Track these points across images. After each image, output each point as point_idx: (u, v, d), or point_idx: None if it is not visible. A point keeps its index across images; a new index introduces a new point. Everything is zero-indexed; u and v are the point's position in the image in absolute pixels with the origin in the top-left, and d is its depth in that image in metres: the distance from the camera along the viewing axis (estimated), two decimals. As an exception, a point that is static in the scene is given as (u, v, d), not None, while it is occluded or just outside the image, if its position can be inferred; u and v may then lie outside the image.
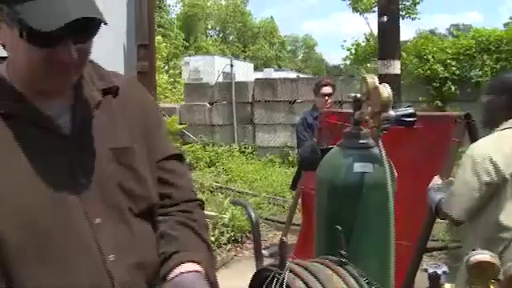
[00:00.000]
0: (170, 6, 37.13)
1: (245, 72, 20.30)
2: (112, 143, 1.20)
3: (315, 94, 4.76)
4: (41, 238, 1.07)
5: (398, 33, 4.82)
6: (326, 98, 4.55)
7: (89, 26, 1.06)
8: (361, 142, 1.46)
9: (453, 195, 2.33)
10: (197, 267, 1.16)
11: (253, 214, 1.71)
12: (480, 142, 2.41)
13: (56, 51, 1.05)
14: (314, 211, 3.65)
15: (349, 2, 8.83)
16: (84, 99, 1.19)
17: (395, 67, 4.72)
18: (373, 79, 1.35)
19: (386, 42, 4.76)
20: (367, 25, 10.69)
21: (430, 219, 2.65)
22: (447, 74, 8.21)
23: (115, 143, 1.20)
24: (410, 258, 2.69)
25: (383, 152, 1.32)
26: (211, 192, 7.94)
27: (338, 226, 1.26)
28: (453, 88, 8.08)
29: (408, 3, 8.98)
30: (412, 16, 8.98)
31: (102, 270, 1.10)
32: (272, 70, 30.92)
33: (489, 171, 2.24)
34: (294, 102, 10.19)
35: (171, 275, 1.15)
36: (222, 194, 7.77)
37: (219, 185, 8.48)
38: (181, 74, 21.43)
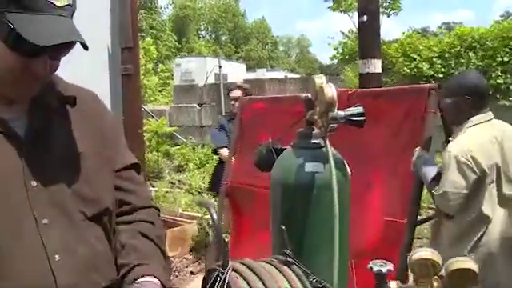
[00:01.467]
0: (161, 7, 37.16)
1: (237, 73, 20.31)
2: (66, 148, 1.24)
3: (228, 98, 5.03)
4: None
5: (378, 32, 4.85)
6: (232, 102, 4.83)
7: (66, 46, 1.14)
8: (313, 141, 1.47)
9: (444, 196, 2.45)
10: (155, 280, 1.21)
11: (215, 215, 1.72)
12: (458, 140, 2.54)
13: (33, 62, 1.12)
14: (243, 207, 3.62)
15: (330, 5, 8.84)
16: (41, 106, 1.23)
17: (376, 66, 4.74)
18: (320, 79, 1.35)
19: (367, 42, 4.78)
20: (353, 23, 10.71)
21: (417, 190, 2.61)
22: (432, 72, 8.25)
23: (69, 149, 1.24)
24: (392, 231, 2.65)
25: (330, 152, 1.33)
26: (199, 193, 7.95)
27: (282, 226, 1.27)
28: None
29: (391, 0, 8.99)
30: (394, 11, 8.99)
31: (46, 270, 1.12)
32: (264, 70, 30.98)
33: (472, 168, 2.42)
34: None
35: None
36: (209, 195, 7.78)
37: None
38: (172, 75, 21.44)
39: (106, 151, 1.32)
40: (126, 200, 1.35)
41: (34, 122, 1.21)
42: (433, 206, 4.46)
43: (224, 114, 5.39)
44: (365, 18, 4.67)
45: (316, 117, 1.40)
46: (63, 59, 1.21)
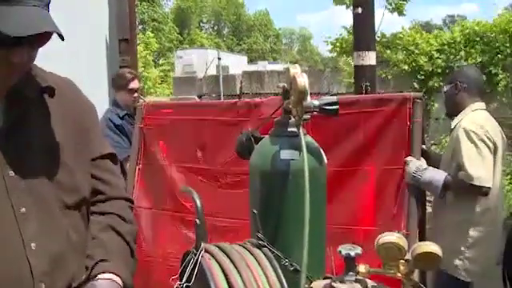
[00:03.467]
0: (163, 0, 37.14)
1: (238, 65, 20.31)
2: (44, 138, 1.26)
3: (120, 89, 4.00)
4: None
5: (373, 24, 4.84)
6: (136, 94, 3.95)
7: (43, 37, 1.15)
8: (289, 130, 1.52)
9: (474, 168, 2.50)
10: (115, 277, 1.24)
11: (198, 201, 1.77)
12: (469, 117, 2.71)
13: (12, 52, 1.13)
14: (145, 235, 3.04)
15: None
16: (19, 96, 1.24)
17: (370, 58, 4.74)
18: (295, 69, 1.40)
19: (361, 34, 4.78)
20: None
21: (418, 201, 2.55)
22: (431, 68, 8.20)
23: (47, 138, 1.26)
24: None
25: (303, 139, 1.37)
26: (197, 184, 7.99)
27: (254, 210, 1.32)
28: (438, 81, 8.10)
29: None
30: (398, 11, 8.95)
31: (22, 258, 1.15)
32: (266, 62, 30.99)
33: (489, 138, 2.58)
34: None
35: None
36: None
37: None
38: (174, 67, 21.44)
39: (83, 140, 1.34)
40: (100, 189, 1.37)
41: (12, 112, 1.22)
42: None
43: (112, 106, 4.02)
44: (359, 9, 4.66)
45: (291, 106, 1.44)
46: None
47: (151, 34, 15.40)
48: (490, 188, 2.50)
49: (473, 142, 2.55)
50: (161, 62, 17.78)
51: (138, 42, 9.29)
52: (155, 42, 14.86)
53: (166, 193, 2.95)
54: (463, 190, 2.56)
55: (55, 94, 1.30)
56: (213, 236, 2.69)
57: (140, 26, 28.36)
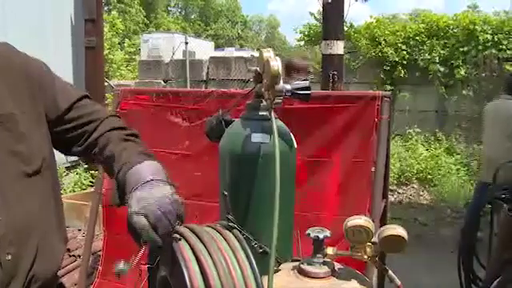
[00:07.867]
0: (130, -19, 36.28)
1: (204, 50, 20.15)
2: None
3: None
4: None
5: (342, 13, 4.90)
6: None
7: None
8: (260, 113, 1.52)
9: None
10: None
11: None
12: None
13: None
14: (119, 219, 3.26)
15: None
16: None
17: (338, 48, 4.79)
18: (268, 52, 1.39)
19: (330, 23, 4.82)
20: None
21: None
22: (397, 59, 8.38)
23: None
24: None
25: (275, 123, 1.38)
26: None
27: (224, 192, 1.32)
28: (402, 72, 8.29)
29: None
30: (365, -1, 9.08)
31: None
32: (233, 49, 30.84)
33: None
34: (247, 81, 10.22)
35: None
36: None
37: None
38: (139, 50, 21.09)
39: (36, 107, 1.30)
40: (93, 118, 1.38)
41: None
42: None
43: None
44: (329, -1, 4.70)
45: (263, 90, 1.44)
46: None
47: (116, 15, 15.05)
48: None
49: None
50: (126, 44, 17.41)
51: (104, 22, 9.07)
52: (120, 23, 14.52)
53: None
54: None
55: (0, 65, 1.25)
56: (202, 216, 2.75)
57: (105, 7, 27.72)
